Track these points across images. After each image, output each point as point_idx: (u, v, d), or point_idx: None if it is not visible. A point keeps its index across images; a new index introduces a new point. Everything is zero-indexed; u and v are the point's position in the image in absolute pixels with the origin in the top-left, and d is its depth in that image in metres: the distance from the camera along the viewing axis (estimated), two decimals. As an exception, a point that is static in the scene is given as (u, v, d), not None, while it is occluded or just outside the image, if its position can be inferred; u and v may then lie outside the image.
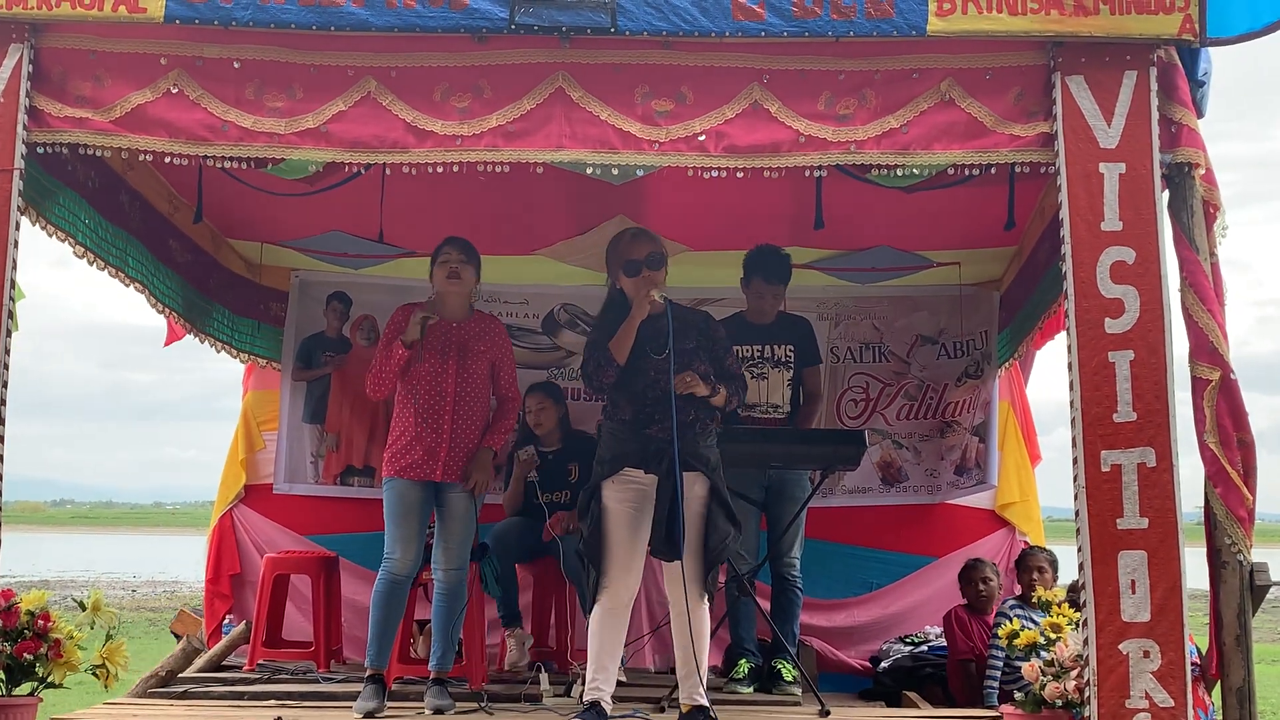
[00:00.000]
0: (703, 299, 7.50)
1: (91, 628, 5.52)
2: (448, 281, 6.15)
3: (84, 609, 5.64)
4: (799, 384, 7.08)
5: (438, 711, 6.05)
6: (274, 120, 5.07)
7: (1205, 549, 5.06)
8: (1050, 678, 4.97)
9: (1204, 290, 5.04)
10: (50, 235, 5.80)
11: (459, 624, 6.37)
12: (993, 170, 5.25)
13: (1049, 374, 14.26)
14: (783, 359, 7.01)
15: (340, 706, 6.16)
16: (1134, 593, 4.84)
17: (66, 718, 5.93)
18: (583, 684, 5.97)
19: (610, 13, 4.95)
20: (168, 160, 5.19)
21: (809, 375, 7.14)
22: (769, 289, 6.87)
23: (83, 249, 6.08)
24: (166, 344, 8.00)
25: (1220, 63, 5.32)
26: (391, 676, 6.34)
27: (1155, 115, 5.02)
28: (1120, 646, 4.82)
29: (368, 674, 6.13)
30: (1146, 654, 4.81)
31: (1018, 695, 5.13)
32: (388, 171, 5.53)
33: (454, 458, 6.14)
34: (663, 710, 6.11)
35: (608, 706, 5.60)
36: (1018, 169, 5.25)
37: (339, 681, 6.89)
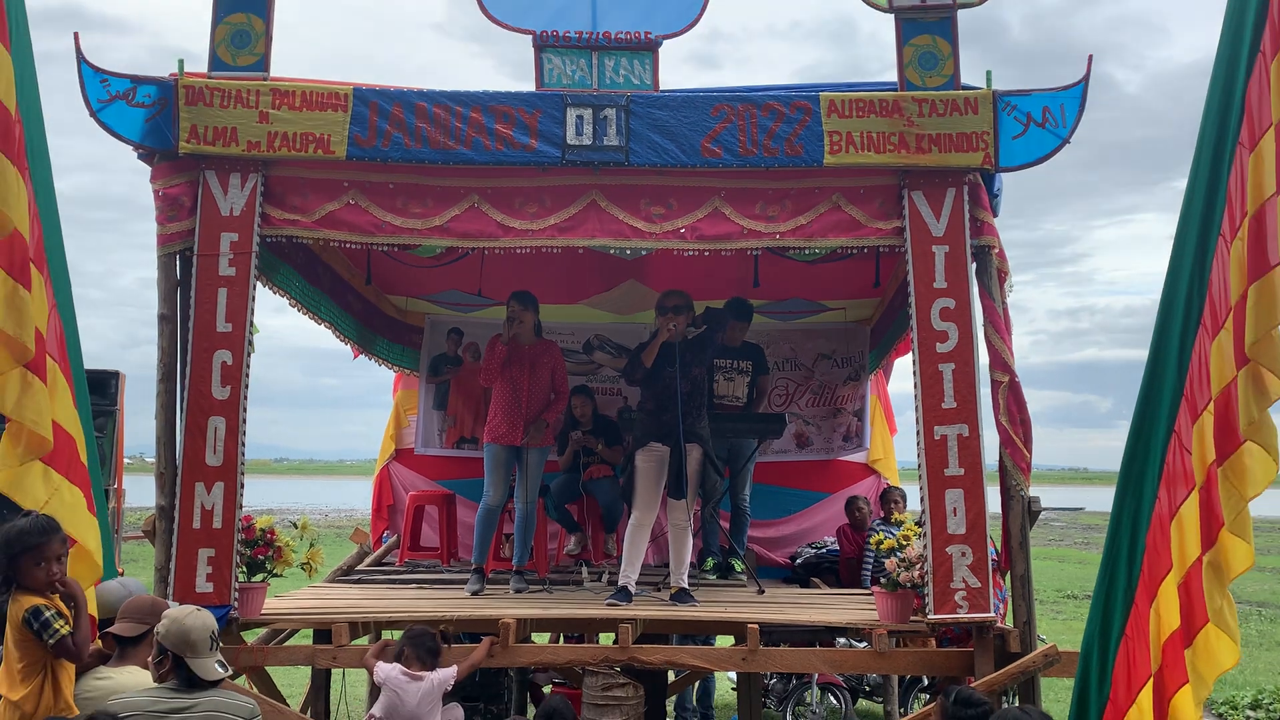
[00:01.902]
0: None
1: (300, 539, 5.54)
2: (510, 324, 6.16)
3: (296, 527, 5.65)
4: (754, 385, 7.09)
5: (518, 591, 6.06)
6: (415, 220, 5.06)
7: (999, 487, 5.05)
8: (903, 569, 4.97)
9: (998, 325, 5.05)
10: (275, 293, 5.85)
11: (531, 535, 6.38)
12: (865, 250, 5.27)
13: (902, 377, 14.24)
14: (744, 369, 7.04)
15: (457, 587, 6.20)
16: (955, 515, 4.83)
17: (284, 596, 5.96)
18: (607, 575, 6.00)
19: (624, 153, 4.97)
20: (348, 246, 5.21)
21: (762, 380, 7.15)
22: (739, 325, 6.89)
23: (294, 301, 6.12)
24: (354, 358, 8.02)
25: (1008, 181, 5.32)
26: (488, 569, 6.35)
27: (967, 215, 5.02)
28: (947, 549, 4.81)
29: (474, 567, 6.15)
30: (964, 554, 4.80)
31: (882, 580, 5.12)
32: (485, 253, 5.55)
33: (527, 430, 6.15)
34: (658, 590, 6.12)
35: (633, 589, 5.64)
36: (881, 250, 5.26)
37: (456, 572, 6.89)
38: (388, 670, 4.56)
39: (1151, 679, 3.64)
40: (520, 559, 6.26)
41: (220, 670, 3.24)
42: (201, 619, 3.25)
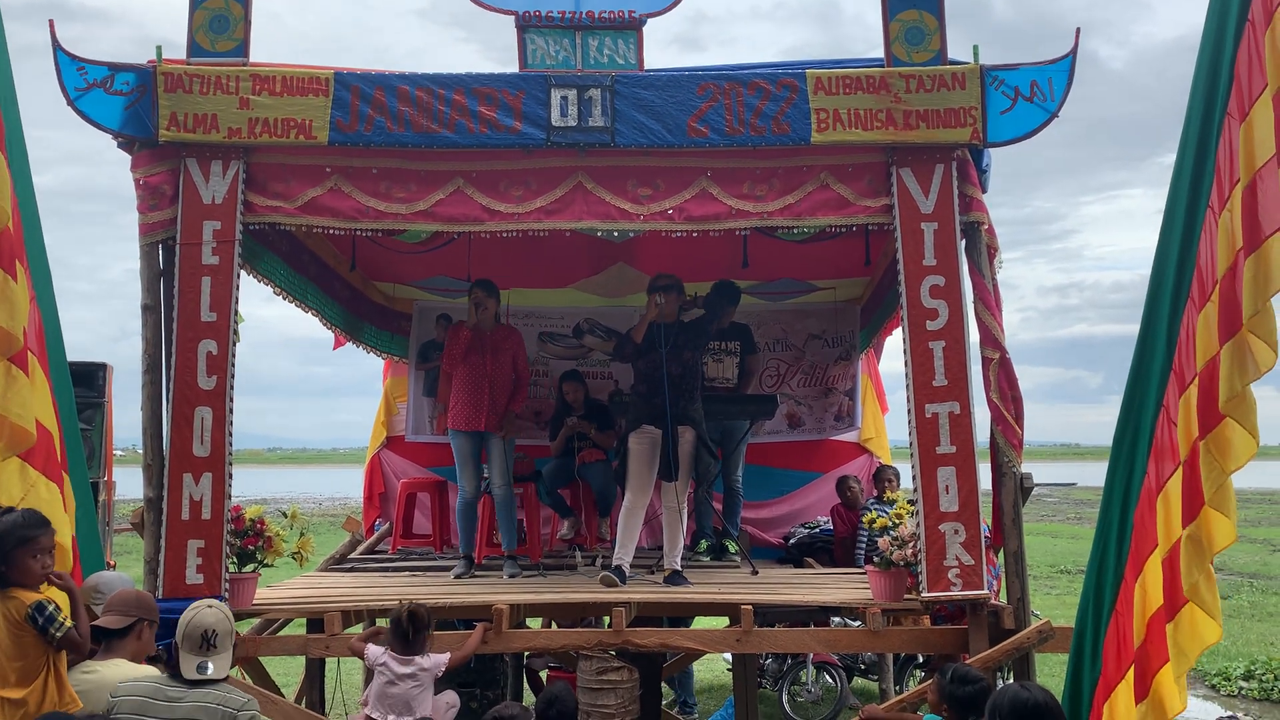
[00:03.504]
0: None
1: (291, 528, 5.52)
2: (476, 311, 6.19)
3: (286, 516, 5.63)
4: (744, 365, 7.08)
5: (512, 576, 6.06)
6: (399, 205, 5.02)
7: (991, 464, 5.06)
8: (896, 548, 4.97)
9: (988, 302, 5.03)
10: (259, 281, 5.80)
11: (514, 517, 6.37)
12: (854, 229, 5.24)
13: (893, 355, 14.27)
14: (732, 350, 7.03)
15: (447, 572, 6.19)
16: (948, 493, 4.83)
17: (277, 585, 5.94)
18: (601, 559, 5.99)
19: (610, 134, 4.94)
20: (332, 232, 5.16)
21: (750, 360, 7.14)
22: (729, 307, 6.87)
23: (279, 290, 6.07)
24: (335, 348, 7.98)
25: (997, 157, 5.30)
26: (480, 556, 6.34)
27: (956, 192, 5.00)
28: (940, 527, 4.82)
29: (461, 555, 6.17)
30: (956, 531, 4.81)
31: (876, 559, 5.13)
32: (472, 237, 5.51)
33: (491, 415, 6.16)
34: (652, 572, 6.11)
35: (626, 570, 5.65)
36: (870, 228, 5.25)
37: (448, 559, 6.86)
38: (377, 653, 4.57)
39: (1135, 655, 3.64)
40: (509, 543, 6.26)
41: (198, 673, 3.30)
42: (200, 616, 3.33)
